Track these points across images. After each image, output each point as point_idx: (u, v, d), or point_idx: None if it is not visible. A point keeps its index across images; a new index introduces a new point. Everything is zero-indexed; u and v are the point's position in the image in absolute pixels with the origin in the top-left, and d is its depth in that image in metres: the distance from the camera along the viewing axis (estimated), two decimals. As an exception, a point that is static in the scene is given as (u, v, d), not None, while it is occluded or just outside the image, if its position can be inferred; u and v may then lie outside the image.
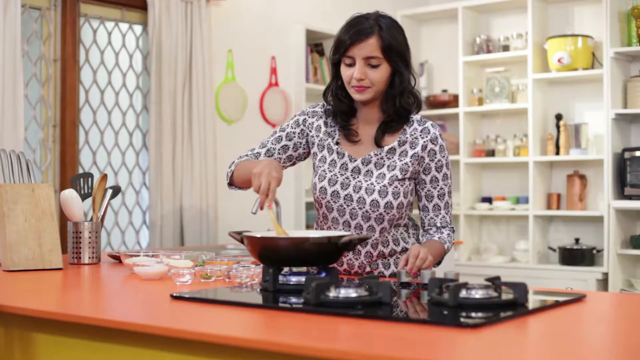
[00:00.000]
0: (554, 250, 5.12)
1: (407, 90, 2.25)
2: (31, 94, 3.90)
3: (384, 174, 2.25)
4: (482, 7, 5.50)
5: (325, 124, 2.34)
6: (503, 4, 5.41)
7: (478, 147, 5.45)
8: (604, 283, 4.85)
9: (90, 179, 2.75)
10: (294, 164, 2.41)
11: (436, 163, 2.28)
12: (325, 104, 2.37)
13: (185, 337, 1.46)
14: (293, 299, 1.73)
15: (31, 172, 2.53)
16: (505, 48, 5.39)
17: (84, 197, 2.71)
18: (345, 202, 2.26)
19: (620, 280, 4.78)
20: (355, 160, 2.28)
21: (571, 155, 5.05)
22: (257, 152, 2.36)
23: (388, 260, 2.32)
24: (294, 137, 2.36)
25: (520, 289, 1.64)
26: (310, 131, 2.35)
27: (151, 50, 4.18)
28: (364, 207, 2.24)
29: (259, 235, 1.90)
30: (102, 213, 2.70)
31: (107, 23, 4.23)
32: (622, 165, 4.81)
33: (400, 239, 2.33)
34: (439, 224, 2.32)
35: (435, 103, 5.63)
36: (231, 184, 2.38)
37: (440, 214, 2.31)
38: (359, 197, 2.24)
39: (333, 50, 2.25)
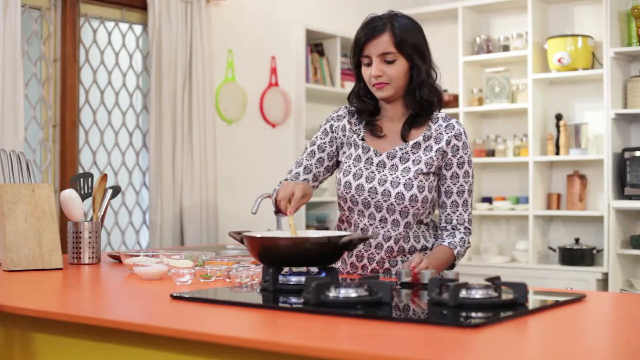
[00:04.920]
0: (554, 250, 5.12)
1: (426, 83, 2.27)
2: (31, 94, 3.90)
3: (409, 168, 2.27)
4: (482, 7, 5.50)
5: (350, 122, 2.37)
6: (503, 4, 5.40)
7: (478, 147, 5.45)
8: (604, 283, 4.84)
9: (90, 179, 2.75)
10: (332, 173, 2.45)
11: (458, 159, 2.28)
12: (347, 106, 2.41)
13: (185, 337, 1.46)
14: (293, 299, 1.73)
15: (31, 172, 2.53)
16: (505, 48, 5.39)
17: (84, 197, 2.71)
18: (369, 195, 2.27)
19: (620, 280, 4.78)
20: (381, 155, 2.30)
21: (571, 155, 5.05)
22: (296, 173, 2.40)
23: (407, 257, 2.32)
24: (326, 147, 2.40)
25: (520, 289, 1.64)
26: (337, 135, 2.38)
27: (151, 50, 4.18)
28: (389, 200, 2.25)
29: (259, 235, 1.90)
30: (102, 213, 2.70)
31: (107, 23, 4.23)
32: (622, 165, 4.81)
33: (422, 237, 2.33)
34: (454, 222, 2.31)
35: (435, 103, 5.62)
36: (278, 211, 2.24)
37: (457, 211, 2.31)
38: (384, 190, 2.26)
39: (352, 52, 2.30)
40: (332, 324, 1.48)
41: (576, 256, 4.98)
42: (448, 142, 2.27)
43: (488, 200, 5.49)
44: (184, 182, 4.27)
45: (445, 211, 2.32)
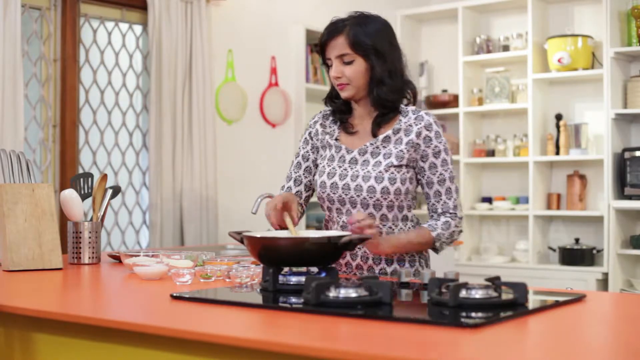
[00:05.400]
0: (554, 250, 5.12)
1: (385, 82, 2.28)
2: (31, 94, 3.90)
3: (380, 162, 2.29)
4: (482, 7, 5.50)
5: (323, 125, 2.44)
6: (503, 4, 5.41)
7: (478, 147, 5.45)
8: (604, 283, 4.84)
9: (90, 179, 2.75)
10: None
11: (433, 149, 2.29)
12: (323, 110, 2.48)
13: (185, 337, 1.46)
14: (293, 299, 1.73)
15: (31, 172, 2.53)
16: (505, 48, 5.39)
17: (84, 197, 2.71)
18: (343, 192, 2.31)
19: (620, 280, 4.78)
20: (352, 152, 2.34)
21: (571, 155, 5.05)
22: (288, 187, 2.47)
23: (392, 256, 2.32)
24: (309, 155, 2.46)
25: (520, 289, 1.64)
26: (314, 140, 2.45)
27: (151, 50, 4.18)
28: (361, 194, 2.28)
29: (259, 235, 1.90)
30: (102, 213, 2.70)
31: (107, 23, 4.23)
32: (622, 165, 4.81)
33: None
34: (439, 210, 2.31)
35: (435, 103, 5.63)
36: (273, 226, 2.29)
37: (441, 199, 2.31)
38: (357, 185, 2.29)
39: (320, 56, 2.38)
40: (332, 324, 1.48)
41: (576, 256, 4.99)
42: (419, 134, 2.28)
43: (488, 200, 5.49)
44: (184, 182, 4.27)
45: (430, 201, 2.33)
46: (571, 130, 5.08)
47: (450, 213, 2.31)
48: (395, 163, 2.27)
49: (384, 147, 2.31)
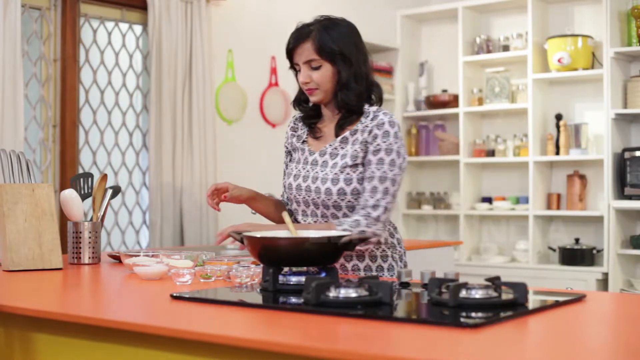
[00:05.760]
0: (554, 250, 5.12)
1: (349, 86, 2.31)
2: (31, 94, 3.90)
3: (337, 163, 2.32)
4: (482, 7, 5.50)
5: (294, 129, 2.50)
6: (503, 4, 5.41)
7: (478, 147, 5.45)
8: (604, 283, 4.85)
9: (90, 179, 2.75)
10: None
11: (375, 147, 2.28)
12: (296, 115, 2.54)
13: (185, 337, 1.46)
14: (293, 299, 1.73)
15: (31, 172, 2.53)
16: (505, 48, 5.39)
17: (84, 197, 2.71)
18: (306, 194, 2.35)
19: (620, 280, 4.78)
20: (314, 154, 2.39)
21: (571, 155, 5.05)
22: (282, 194, 2.54)
23: (351, 253, 2.33)
24: (288, 162, 2.53)
25: (520, 289, 1.64)
26: (288, 145, 2.52)
27: (151, 50, 4.18)
28: (320, 196, 2.31)
29: (259, 235, 1.90)
30: (102, 213, 2.70)
31: (107, 23, 4.23)
32: (622, 165, 4.81)
33: None
34: (358, 207, 2.27)
35: (435, 103, 5.63)
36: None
37: (363, 196, 2.27)
38: (316, 187, 2.33)
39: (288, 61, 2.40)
40: (332, 324, 1.48)
41: (576, 256, 4.99)
42: (370, 132, 2.30)
43: (488, 200, 5.49)
44: (184, 182, 4.27)
45: (358, 198, 2.30)
46: (571, 130, 5.08)
47: (365, 212, 2.25)
48: (350, 163, 2.29)
49: (342, 148, 2.33)
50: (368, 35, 5.58)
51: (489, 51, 5.45)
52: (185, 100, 4.31)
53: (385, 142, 2.27)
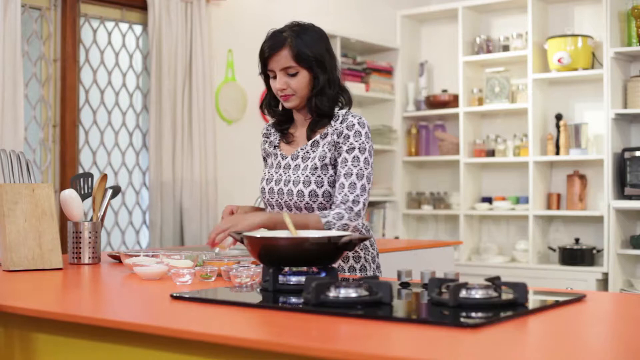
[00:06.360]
0: (554, 250, 5.12)
1: (324, 91, 2.35)
2: (31, 94, 3.90)
3: (307, 165, 2.36)
4: (482, 7, 5.50)
5: (267, 135, 2.53)
6: (503, 4, 5.41)
7: (478, 147, 5.45)
8: (604, 283, 4.85)
9: (90, 179, 2.75)
10: None
11: (348, 146, 2.33)
12: (267, 123, 2.58)
13: (185, 337, 1.46)
14: (293, 299, 1.73)
15: (31, 172, 2.53)
16: (505, 48, 5.39)
17: (84, 197, 2.71)
18: (279, 197, 2.38)
19: (620, 280, 4.78)
20: (287, 157, 2.42)
21: (571, 155, 5.05)
22: (264, 202, 2.54)
23: None
24: None
25: (520, 289, 1.64)
26: (263, 152, 2.56)
27: (151, 50, 4.18)
28: (292, 198, 2.35)
29: (259, 235, 1.90)
30: (102, 213, 2.69)
31: (107, 23, 4.23)
32: (622, 165, 4.81)
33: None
34: (338, 202, 2.29)
35: (435, 103, 5.63)
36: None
37: (342, 192, 2.30)
38: (288, 190, 2.36)
39: (259, 65, 2.41)
40: (332, 324, 1.48)
41: (576, 256, 4.99)
42: (340, 133, 2.33)
43: (488, 200, 5.49)
44: (184, 182, 4.27)
45: (334, 194, 2.32)
46: (571, 130, 5.08)
47: (348, 206, 2.27)
48: (319, 164, 2.33)
49: (313, 151, 2.37)
50: (368, 35, 5.62)
51: (489, 51, 5.45)
52: (185, 100, 4.31)
53: (357, 141, 2.32)
